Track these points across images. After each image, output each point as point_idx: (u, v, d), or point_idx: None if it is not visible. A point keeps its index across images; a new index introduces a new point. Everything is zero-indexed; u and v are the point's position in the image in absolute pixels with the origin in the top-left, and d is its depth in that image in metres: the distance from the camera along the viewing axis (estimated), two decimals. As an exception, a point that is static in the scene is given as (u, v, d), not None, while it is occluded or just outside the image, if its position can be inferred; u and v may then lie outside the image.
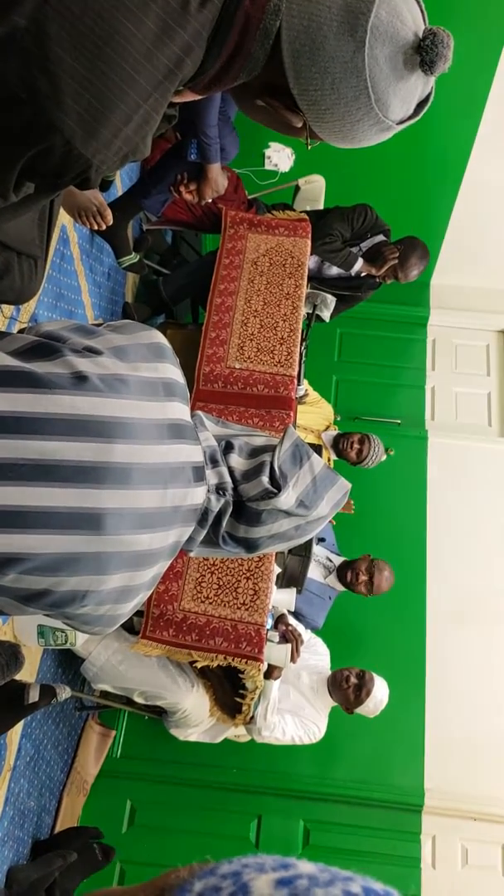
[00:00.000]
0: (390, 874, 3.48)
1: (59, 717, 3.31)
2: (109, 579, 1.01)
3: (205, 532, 1.17)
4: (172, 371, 1.11)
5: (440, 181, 4.76)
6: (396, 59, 0.90)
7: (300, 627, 3.23)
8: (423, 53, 0.90)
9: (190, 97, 0.98)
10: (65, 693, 2.42)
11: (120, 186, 3.81)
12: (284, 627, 2.97)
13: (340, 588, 3.70)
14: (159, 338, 1.12)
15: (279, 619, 3.03)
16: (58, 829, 3.27)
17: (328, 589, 3.68)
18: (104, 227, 2.81)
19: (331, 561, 3.73)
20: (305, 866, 0.46)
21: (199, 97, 0.99)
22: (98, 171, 0.86)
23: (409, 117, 0.97)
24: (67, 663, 3.30)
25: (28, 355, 0.99)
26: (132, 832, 3.56)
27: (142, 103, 0.85)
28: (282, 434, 1.22)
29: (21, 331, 1.11)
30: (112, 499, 0.97)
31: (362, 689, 3.19)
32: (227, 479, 1.15)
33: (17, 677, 2.27)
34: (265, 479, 1.14)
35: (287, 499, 1.15)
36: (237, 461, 1.17)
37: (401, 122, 0.97)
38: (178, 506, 1.07)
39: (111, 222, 2.82)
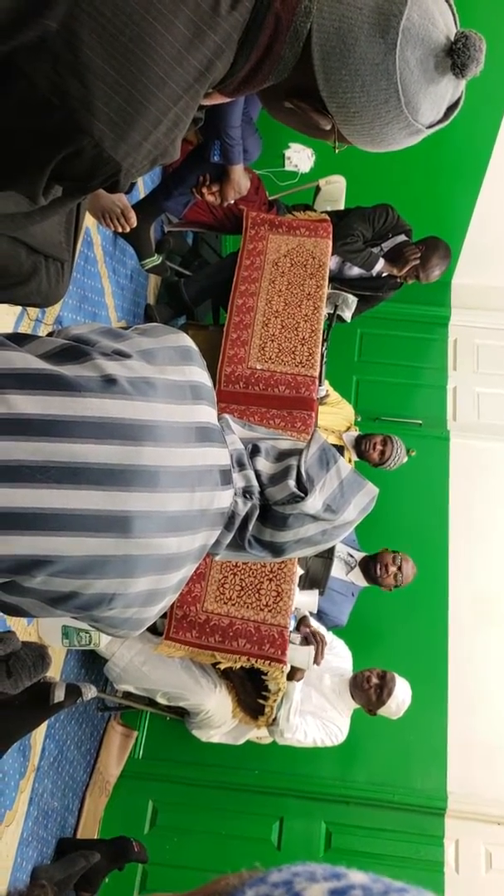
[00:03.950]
0: (413, 878, 3.42)
1: (81, 717, 3.32)
2: (137, 582, 1.00)
3: (231, 535, 1.16)
4: (199, 374, 1.10)
5: (461, 181, 4.72)
6: (427, 62, 0.89)
7: (322, 629, 3.22)
8: (454, 56, 0.89)
9: (219, 100, 0.97)
10: (90, 693, 2.42)
11: (142, 188, 3.82)
12: (307, 629, 2.96)
13: (363, 584, 3.69)
14: (187, 341, 1.12)
15: (301, 621, 3.02)
16: (80, 829, 3.28)
17: (351, 585, 3.67)
18: (128, 229, 2.82)
19: (352, 557, 3.71)
20: (357, 876, 0.45)
21: (228, 100, 0.98)
22: (128, 175, 0.86)
23: (439, 121, 0.96)
24: (91, 664, 3.31)
25: (57, 358, 0.99)
26: (154, 833, 3.56)
27: (172, 106, 0.84)
28: (308, 437, 1.21)
29: (49, 334, 1.12)
30: (140, 501, 0.97)
31: (384, 690, 3.18)
32: (254, 482, 1.14)
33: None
34: (292, 482, 1.13)
35: (314, 503, 1.14)
36: (264, 465, 1.16)
37: (430, 126, 0.96)
38: (206, 509, 1.07)
39: (135, 224, 2.83)
